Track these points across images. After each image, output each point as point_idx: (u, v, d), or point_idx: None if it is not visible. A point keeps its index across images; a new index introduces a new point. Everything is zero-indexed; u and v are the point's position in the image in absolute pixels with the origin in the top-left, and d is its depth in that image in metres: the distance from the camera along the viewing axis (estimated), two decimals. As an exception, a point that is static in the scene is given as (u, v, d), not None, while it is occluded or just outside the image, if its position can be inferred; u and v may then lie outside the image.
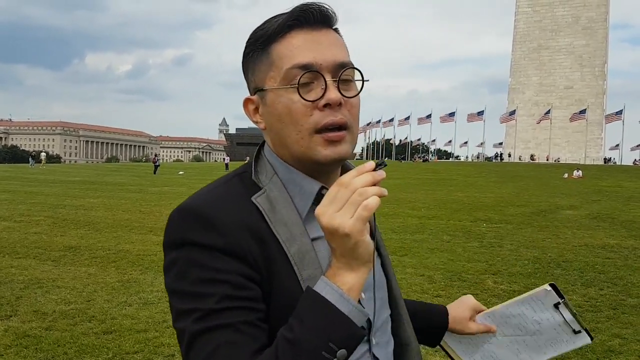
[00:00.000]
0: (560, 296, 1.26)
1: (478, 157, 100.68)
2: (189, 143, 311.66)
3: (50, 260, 8.77)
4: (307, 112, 0.94)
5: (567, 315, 1.27)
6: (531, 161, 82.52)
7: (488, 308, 1.39)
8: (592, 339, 1.28)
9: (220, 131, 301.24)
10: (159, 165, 45.28)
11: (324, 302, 0.84)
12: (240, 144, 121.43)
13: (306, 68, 0.94)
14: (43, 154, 59.80)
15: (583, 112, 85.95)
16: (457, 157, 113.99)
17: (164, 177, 36.64)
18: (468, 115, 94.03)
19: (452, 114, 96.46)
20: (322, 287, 0.86)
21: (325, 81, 0.94)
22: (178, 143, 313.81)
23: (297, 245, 0.94)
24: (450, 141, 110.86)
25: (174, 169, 50.50)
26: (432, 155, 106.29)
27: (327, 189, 0.89)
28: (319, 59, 0.95)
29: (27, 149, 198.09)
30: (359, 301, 0.88)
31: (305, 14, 0.96)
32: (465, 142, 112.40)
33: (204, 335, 0.87)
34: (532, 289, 1.32)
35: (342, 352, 0.82)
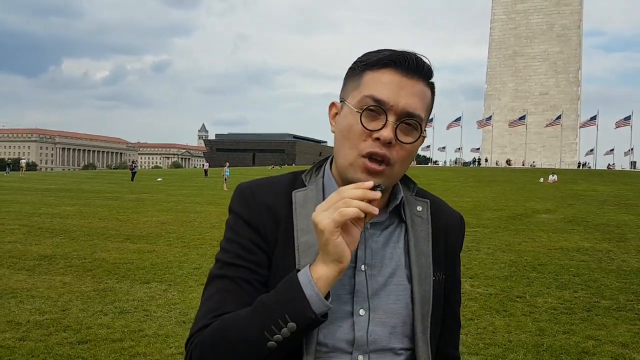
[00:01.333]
0: None
1: (456, 162, 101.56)
2: (168, 149, 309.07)
3: (24, 269, 8.62)
4: (362, 137, 1.07)
5: None
6: (507, 166, 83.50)
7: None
8: None
9: (200, 137, 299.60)
10: (136, 172, 44.85)
11: (294, 282, 0.99)
12: (220, 150, 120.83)
13: (377, 102, 1.06)
14: (23, 161, 58.57)
15: (558, 117, 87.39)
16: (435, 162, 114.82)
17: (141, 184, 36.27)
18: (448, 124, 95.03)
19: (430, 120, 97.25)
20: (302, 271, 1.01)
21: (387, 119, 1.06)
22: (156, 149, 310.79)
23: (307, 237, 1.08)
24: (428, 146, 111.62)
25: (153, 176, 50.05)
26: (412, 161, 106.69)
27: None
28: (392, 100, 1.06)
29: (2, 156, 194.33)
30: (328, 296, 1.00)
31: (402, 59, 1.08)
32: (444, 148, 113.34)
33: (215, 280, 1.12)
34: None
35: (291, 324, 0.97)
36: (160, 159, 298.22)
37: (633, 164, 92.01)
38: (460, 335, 1.34)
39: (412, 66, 1.08)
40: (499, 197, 26.43)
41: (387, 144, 1.05)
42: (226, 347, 1.01)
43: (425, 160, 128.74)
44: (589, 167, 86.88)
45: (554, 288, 7.95)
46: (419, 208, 1.20)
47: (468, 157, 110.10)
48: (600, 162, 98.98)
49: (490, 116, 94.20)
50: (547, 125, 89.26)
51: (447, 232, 1.23)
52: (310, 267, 1.00)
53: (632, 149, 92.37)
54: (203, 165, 63.72)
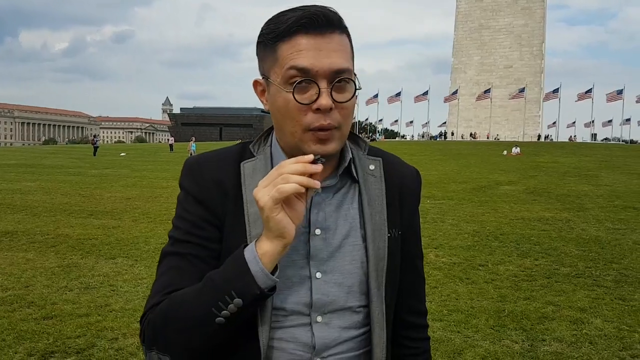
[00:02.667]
0: None
1: (423, 136, 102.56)
2: (131, 123, 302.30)
3: (-16, 246, 8.41)
4: (302, 112, 1.05)
5: None
6: (472, 139, 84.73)
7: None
8: None
9: (164, 111, 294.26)
10: (98, 147, 44.11)
11: (241, 258, 1.00)
12: (186, 124, 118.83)
13: (303, 72, 1.03)
14: None
15: (522, 90, 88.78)
16: (403, 136, 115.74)
17: (104, 159, 35.57)
18: (415, 97, 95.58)
19: (398, 94, 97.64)
20: (248, 247, 1.01)
21: (319, 88, 1.03)
22: (119, 123, 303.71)
23: (256, 208, 1.04)
24: (396, 121, 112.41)
25: (116, 151, 49.09)
26: (379, 135, 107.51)
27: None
28: (316, 65, 1.03)
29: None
30: (276, 270, 1.01)
31: (310, 20, 1.04)
32: (411, 122, 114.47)
33: (167, 257, 1.13)
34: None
35: (238, 300, 0.99)
36: (123, 133, 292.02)
37: (594, 136, 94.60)
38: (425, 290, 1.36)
39: (323, 23, 1.04)
40: (464, 169, 26.87)
41: (329, 110, 1.04)
42: (177, 325, 1.03)
43: (393, 134, 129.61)
44: (551, 139, 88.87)
45: (516, 256, 8.18)
46: (372, 167, 1.20)
47: (435, 131, 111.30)
48: (562, 135, 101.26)
49: (457, 90, 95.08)
50: (511, 98, 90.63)
51: (402, 188, 1.23)
52: (256, 243, 1.00)
53: (592, 121, 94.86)
54: (168, 139, 62.68)
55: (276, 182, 0.96)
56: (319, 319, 1.11)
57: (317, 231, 1.12)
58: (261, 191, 0.97)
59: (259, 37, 1.10)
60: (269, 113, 1.14)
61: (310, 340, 1.10)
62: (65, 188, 17.08)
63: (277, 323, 1.10)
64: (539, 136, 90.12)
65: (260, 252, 0.99)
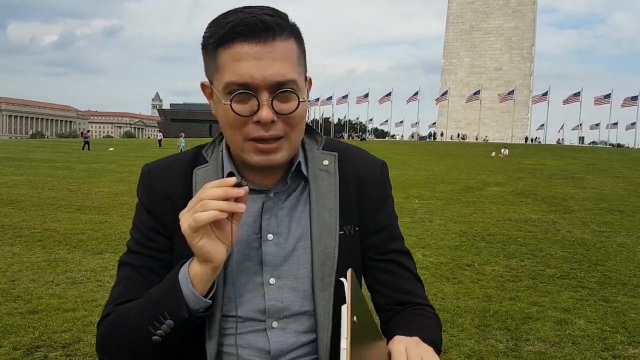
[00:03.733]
0: None
1: (413, 137, 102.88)
2: (120, 118, 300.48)
3: (-31, 239, 8.34)
4: (242, 123, 1.01)
5: None
6: (462, 140, 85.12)
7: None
8: None
9: (154, 106, 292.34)
10: (89, 141, 44.17)
11: (174, 278, 1.00)
12: (175, 120, 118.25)
13: (242, 87, 0.98)
14: None
15: (511, 93, 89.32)
16: (393, 136, 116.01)
17: (92, 154, 35.33)
18: (407, 100, 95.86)
19: (388, 94, 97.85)
20: (182, 268, 1.01)
21: (259, 101, 0.98)
22: (108, 118, 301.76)
23: None
24: (386, 121, 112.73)
25: (104, 145, 48.76)
26: (369, 134, 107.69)
27: (233, 175, 1.07)
28: (256, 77, 0.97)
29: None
30: (212, 289, 1.01)
31: (247, 27, 0.97)
32: (401, 122, 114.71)
33: (121, 267, 1.16)
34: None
35: (169, 322, 0.99)
36: (112, 128, 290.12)
37: (581, 139, 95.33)
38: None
39: (260, 29, 0.97)
40: (453, 170, 26.99)
41: (271, 122, 1.00)
42: (119, 339, 1.05)
43: (382, 134, 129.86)
44: (539, 141, 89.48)
45: (502, 257, 8.25)
46: (325, 162, 1.15)
47: (425, 131, 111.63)
48: (550, 137, 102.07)
49: (447, 91, 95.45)
50: (500, 101, 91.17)
51: (361, 181, 1.17)
52: (189, 263, 1.00)
53: (580, 125, 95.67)
54: (157, 135, 62.21)
55: (195, 209, 0.93)
56: (275, 324, 1.09)
57: (270, 236, 1.10)
58: (184, 216, 0.96)
59: (202, 39, 1.04)
60: None
61: (265, 346, 1.08)
62: (52, 182, 16.95)
63: (232, 330, 1.08)
64: (527, 138, 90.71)
65: (191, 274, 0.98)
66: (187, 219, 0.94)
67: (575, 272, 7.45)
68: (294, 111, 1.02)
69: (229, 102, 0.99)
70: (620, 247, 9.22)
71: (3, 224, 9.66)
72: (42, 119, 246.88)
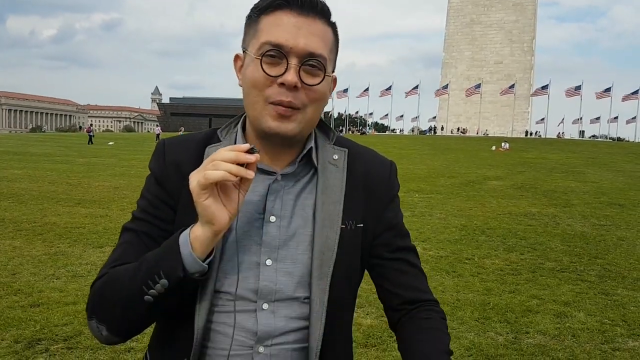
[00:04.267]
0: None
1: (413, 131, 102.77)
2: (120, 112, 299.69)
3: (-30, 233, 8.35)
4: (267, 84, 1.05)
5: None
6: (462, 134, 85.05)
7: None
8: None
9: (153, 100, 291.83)
10: (93, 135, 44.56)
11: (175, 240, 1.03)
12: (175, 114, 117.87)
13: (276, 46, 1.04)
14: None
15: (512, 86, 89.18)
16: (393, 130, 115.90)
17: (92, 148, 35.33)
18: (406, 93, 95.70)
19: (389, 88, 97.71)
20: (184, 231, 1.03)
21: (288, 63, 1.04)
22: (107, 112, 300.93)
23: None
24: (386, 115, 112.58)
25: (104, 139, 48.73)
26: (369, 128, 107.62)
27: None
28: (291, 42, 1.04)
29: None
30: (210, 255, 1.03)
31: None
32: (401, 116, 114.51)
33: (123, 232, 1.17)
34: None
35: (164, 281, 1.00)
36: (111, 122, 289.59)
37: (582, 133, 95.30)
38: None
39: (306, 4, 1.06)
40: (453, 164, 26.99)
41: (293, 87, 1.04)
42: (111, 297, 1.06)
43: (383, 128, 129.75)
44: (539, 135, 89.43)
45: (502, 250, 8.27)
46: (335, 156, 1.18)
47: (425, 125, 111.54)
48: (551, 131, 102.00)
49: (447, 84, 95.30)
50: (501, 94, 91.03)
51: (369, 179, 1.20)
52: (191, 227, 1.02)
53: (581, 118, 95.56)
54: (155, 129, 61.68)
55: (206, 167, 0.96)
56: (265, 306, 1.09)
57: (272, 218, 1.11)
58: (193, 175, 0.98)
59: (249, 11, 1.12)
60: None
61: (253, 327, 1.08)
62: (52, 176, 16.96)
63: (222, 307, 1.08)
64: (527, 132, 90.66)
65: (192, 237, 1.00)
66: (196, 176, 0.97)
67: (575, 265, 7.47)
68: (317, 84, 1.07)
69: (260, 58, 1.04)
70: (620, 240, 9.24)
71: (3, 217, 9.67)
72: (41, 113, 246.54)
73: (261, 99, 1.06)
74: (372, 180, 1.20)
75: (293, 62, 1.04)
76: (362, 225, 1.17)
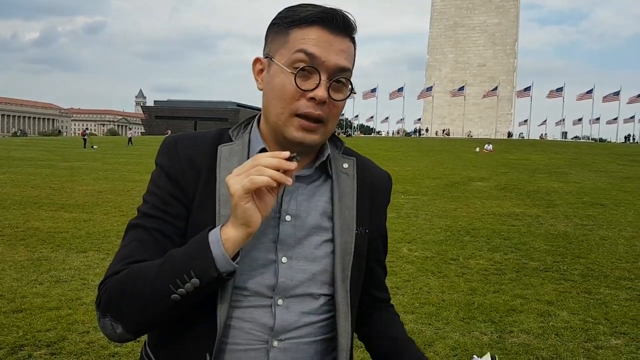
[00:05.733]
0: None
1: (398, 133, 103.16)
2: (103, 116, 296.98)
3: (-50, 239, 8.22)
4: (296, 97, 1.08)
5: None
6: (446, 136, 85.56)
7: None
8: None
9: (137, 103, 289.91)
10: (87, 139, 44.97)
11: (204, 239, 1.03)
12: (160, 117, 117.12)
13: (310, 57, 1.07)
14: None
15: (495, 89, 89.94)
16: (378, 132, 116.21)
17: (76, 152, 34.96)
18: (390, 93, 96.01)
19: (373, 90, 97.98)
20: (213, 231, 1.04)
21: (320, 78, 1.07)
22: (91, 116, 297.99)
23: None
24: (372, 117, 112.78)
25: (88, 143, 48.24)
26: (355, 131, 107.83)
27: (265, 151, 1.10)
28: (324, 56, 1.07)
29: None
30: (237, 256, 1.04)
31: (330, 17, 1.09)
32: (387, 118, 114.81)
33: (132, 229, 1.15)
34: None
35: (195, 280, 1.01)
36: (95, 125, 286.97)
37: (564, 134, 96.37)
38: (388, 286, 1.43)
39: (340, 24, 1.10)
40: (438, 166, 27.14)
41: (322, 102, 1.08)
42: (132, 296, 1.05)
43: (368, 130, 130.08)
44: (522, 137, 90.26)
45: (486, 251, 8.33)
46: (345, 165, 1.24)
47: (410, 127, 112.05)
48: (534, 133, 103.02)
49: (431, 87, 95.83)
50: (484, 96, 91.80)
51: (373, 189, 1.28)
52: (221, 227, 1.03)
53: (563, 120, 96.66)
54: (128, 133, 60.22)
55: (250, 172, 0.98)
56: (280, 302, 1.13)
57: (287, 217, 1.15)
58: (234, 179, 0.99)
59: (275, 19, 1.14)
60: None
61: (269, 322, 1.12)
62: (35, 181, 16.76)
63: (238, 302, 1.11)
64: (510, 133, 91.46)
65: (224, 237, 1.02)
66: (239, 180, 0.98)
67: (558, 265, 7.55)
68: (342, 100, 1.12)
69: (295, 72, 1.07)
70: (602, 240, 9.35)
71: (-15, 223, 9.53)
72: (24, 117, 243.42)
73: (287, 110, 1.09)
74: (375, 190, 1.29)
75: (324, 77, 1.08)
76: (368, 230, 1.25)
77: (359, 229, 1.21)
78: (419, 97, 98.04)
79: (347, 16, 1.11)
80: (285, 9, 1.14)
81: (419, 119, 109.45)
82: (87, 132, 48.71)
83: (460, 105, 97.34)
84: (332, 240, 1.18)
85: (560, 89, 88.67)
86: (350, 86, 1.13)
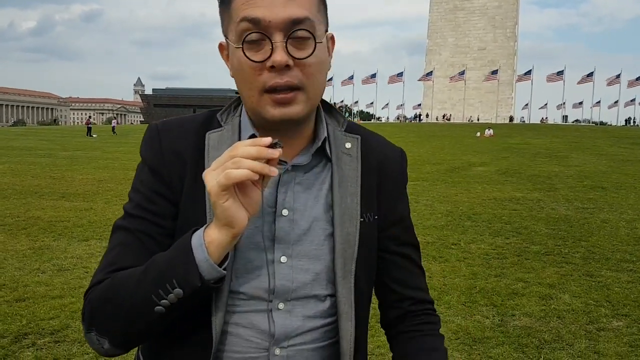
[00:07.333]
0: None
1: (398, 118, 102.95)
2: (102, 104, 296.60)
3: (-48, 229, 8.23)
4: (256, 72, 0.94)
5: None
6: (447, 121, 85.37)
7: None
8: None
9: (136, 92, 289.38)
10: (91, 127, 45.43)
11: (186, 244, 0.91)
12: (158, 105, 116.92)
13: (254, 23, 0.92)
14: None
15: (495, 72, 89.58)
16: (378, 118, 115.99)
17: (75, 141, 34.89)
18: (389, 77, 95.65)
19: (373, 76, 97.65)
20: (196, 233, 0.92)
21: (272, 42, 0.92)
22: (90, 105, 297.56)
23: None
24: (372, 103, 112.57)
25: (85, 131, 48.18)
26: (355, 117, 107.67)
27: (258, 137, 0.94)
28: (269, 15, 0.91)
29: None
30: (226, 259, 0.93)
31: None
32: (387, 104, 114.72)
33: (117, 232, 1.04)
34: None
35: (178, 290, 0.90)
36: (94, 114, 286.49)
37: (565, 117, 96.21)
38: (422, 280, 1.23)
39: None
40: (438, 151, 27.10)
41: (285, 67, 0.93)
42: (115, 307, 0.95)
43: (368, 116, 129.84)
44: (523, 121, 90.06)
45: (487, 235, 8.34)
46: (348, 145, 1.09)
47: (410, 113, 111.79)
48: (534, 116, 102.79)
49: (431, 71, 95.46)
50: (484, 80, 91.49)
51: (382, 169, 1.13)
52: (204, 229, 0.91)
53: (564, 103, 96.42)
54: (112, 121, 58.91)
55: (226, 165, 0.86)
56: (281, 306, 1.02)
57: (285, 212, 1.03)
58: (210, 174, 0.87)
59: None
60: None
61: (269, 328, 1.01)
62: (35, 170, 16.75)
63: (235, 307, 1.01)
64: (511, 118, 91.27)
65: (207, 240, 0.90)
66: (214, 176, 0.86)
67: (559, 248, 7.56)
68: (309, 56, 0.95)
69: (241, 46, 0.93)
70: (603, 223, 9.36)
71: (-14, 212, 9.55)
72: (22, 106, 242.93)
73: (255, 90, 0.96)
74: (385, 170, 1.13)
75: (277, 38, 0.92)
76: (377, 217, 1.11)
77: (364, 216, 1.07)
78: (420, 79, 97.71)
79: None
80: None
81: (419, 104, 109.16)
82: (92, 121, 49.03)
83: (461, 89, 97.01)
84: (332, 232, 1.05)
85: (560, 72, 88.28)
86: (314, 37, 0.95)
